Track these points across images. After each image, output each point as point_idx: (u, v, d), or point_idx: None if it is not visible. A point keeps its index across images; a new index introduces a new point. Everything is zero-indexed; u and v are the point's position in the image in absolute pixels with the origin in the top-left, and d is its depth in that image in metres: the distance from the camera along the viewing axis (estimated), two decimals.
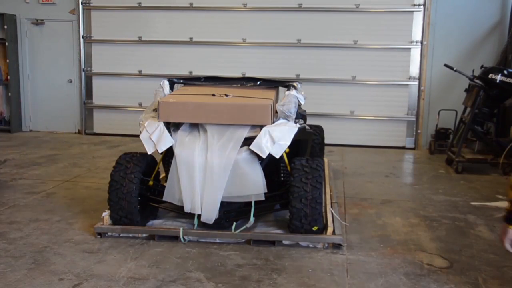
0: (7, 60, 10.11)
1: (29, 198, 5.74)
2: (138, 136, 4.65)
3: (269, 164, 4.58)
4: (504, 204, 5.72)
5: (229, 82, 5.49)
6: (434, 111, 8.92)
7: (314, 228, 4.31)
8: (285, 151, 4.44)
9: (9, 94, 10.20)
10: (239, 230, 4.41)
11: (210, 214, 4.34)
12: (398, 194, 6.21)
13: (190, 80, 5.70)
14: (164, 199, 4.50)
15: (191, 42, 9.77)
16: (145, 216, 4.68)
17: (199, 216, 4.46)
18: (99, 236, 4.51)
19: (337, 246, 4.31)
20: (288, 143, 4.39)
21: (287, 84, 5.14)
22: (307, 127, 5.14)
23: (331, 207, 4.92)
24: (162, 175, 5.30)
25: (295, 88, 4.94)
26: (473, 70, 7.78)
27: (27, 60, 10.39)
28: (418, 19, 9.05)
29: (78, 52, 10.12)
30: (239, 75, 8.92)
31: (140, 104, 9.77)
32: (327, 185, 5.36)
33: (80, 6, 10.01)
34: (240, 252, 4.22)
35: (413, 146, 9.33)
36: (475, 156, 7.54)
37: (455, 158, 7.45)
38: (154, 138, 4.46)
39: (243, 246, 4.37)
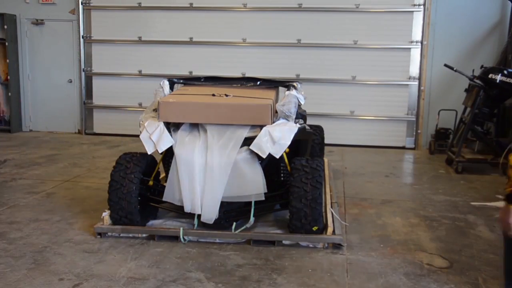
0: (7, 60, 10.11)
1: (29, 198, 5.74)
2: (138, 136, 4.65)
3: (269, 164, 4.58)
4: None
5: (229, 82, 5.49)
6: (434, 111, 8.92)
7: (314, 228, 4.31)
8: (285, 151, 4.44)
9: (9, 94, 10.20)
10: (239, 230, 4.41)
11: (210, 214, 4.34)
12: (398, 194, 6.21)
13: (190, 80, 5.70)
14: (164, 199, 4.51)
15: (191, 42, 9.76)
16: (145, 216, 4.68)
17: (199, 216, 4.46)
18: (99, 236, 4.51)
19: (337, 246, 4.31)
20: (288, 143, 4.39)
21: (287, 84, 5.14)
22: (307, 127, 5.14)
23: (331, 207, 4.92)
24: (162, 175, 5.30)
25: (295, 88, 4.95)
26: (473, 70, 7.78)
27: (27, 60, 10.39)
28: (418, 19, 9.05)
29: (78, 52, 10.13)
30: (239, 75, 8.91)
31: (140, 104, 9.77)
32: (327, 185, 5.36)
33: (80, 6, 10.01)
34: (240, 252, 4.22)
35: (413, 146, 9.33)
36: (475, 156, 7.54)
37: (455, 158, 7.45)
38: (154, 138, 4.46)
39: (243, 246, 4.37)
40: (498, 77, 7.27)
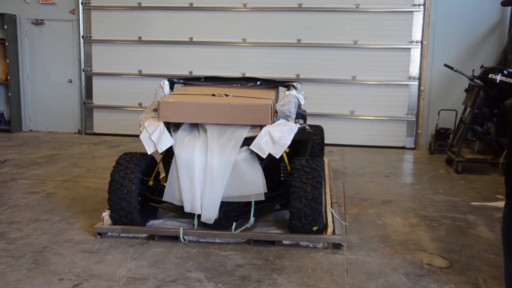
0: (7, 60, 10.11)
1: (29, 198, 5.74)
2: (138, 136, 4.65)
3: (269, 164, 4.58)
4: (504, 204, 5.72)
5: (229, 82, 5.49)
6: (434, 111, 8.92)
7: (314, 228, 4.31)
8: (285, 151, 4.44)
9: (9, 94, 10.20)
10: (239, 230, 4.41)
11: (210, 214, 4.34)
12: (398, 194, 6.21)
13: (190, 80, 5.69)
14: (164, 199, 4.51)
15: (191, 42, 9.76)
16: (145, 216, 4.68)
17: (199, 216, 4.46)
18: (99, 236, 4.51)
19: (337, 246, 4.31)
20: (288, 143, 4.39)
21: (287, 84, 5.13)
22: (307, 127, 5.14)
23: (331, 207, 4.92)
24: (162, 175, 5.30)
25: (295, 88, 4.94)
26: (473, 70, 7.78)
27: (27, 60, 10.39)
28: (418, 19, 9.05)
29: (78, 52, 10.12)
30: (239, 75, 8.91)
31: (140, 104, 9.77)
32: (327, 185, 5.36)
33: (80, 6, 10.01)
34: (240, 252, 4.22)
35: (413, 146, 9.33)
36: (475, 156, 7.54)
37: (455, 158, 7.45)
38: (154, 138, 4.46)
39: (243, 246, 4.37)
40: (498, 77, 7.27)
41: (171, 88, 5.11)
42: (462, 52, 9.00)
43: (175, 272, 3.85)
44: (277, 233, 4.48)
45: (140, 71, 9.97)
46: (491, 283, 3.74)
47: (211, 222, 4.37)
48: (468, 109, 7.79)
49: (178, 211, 4.71)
